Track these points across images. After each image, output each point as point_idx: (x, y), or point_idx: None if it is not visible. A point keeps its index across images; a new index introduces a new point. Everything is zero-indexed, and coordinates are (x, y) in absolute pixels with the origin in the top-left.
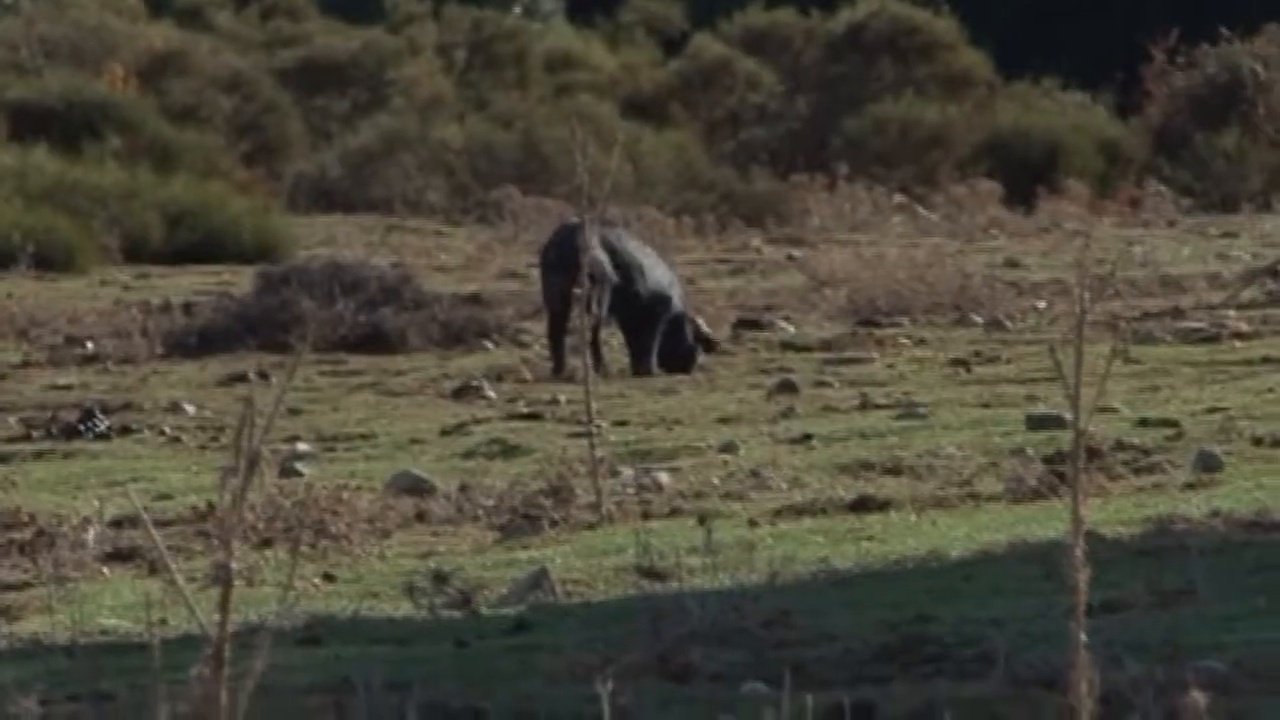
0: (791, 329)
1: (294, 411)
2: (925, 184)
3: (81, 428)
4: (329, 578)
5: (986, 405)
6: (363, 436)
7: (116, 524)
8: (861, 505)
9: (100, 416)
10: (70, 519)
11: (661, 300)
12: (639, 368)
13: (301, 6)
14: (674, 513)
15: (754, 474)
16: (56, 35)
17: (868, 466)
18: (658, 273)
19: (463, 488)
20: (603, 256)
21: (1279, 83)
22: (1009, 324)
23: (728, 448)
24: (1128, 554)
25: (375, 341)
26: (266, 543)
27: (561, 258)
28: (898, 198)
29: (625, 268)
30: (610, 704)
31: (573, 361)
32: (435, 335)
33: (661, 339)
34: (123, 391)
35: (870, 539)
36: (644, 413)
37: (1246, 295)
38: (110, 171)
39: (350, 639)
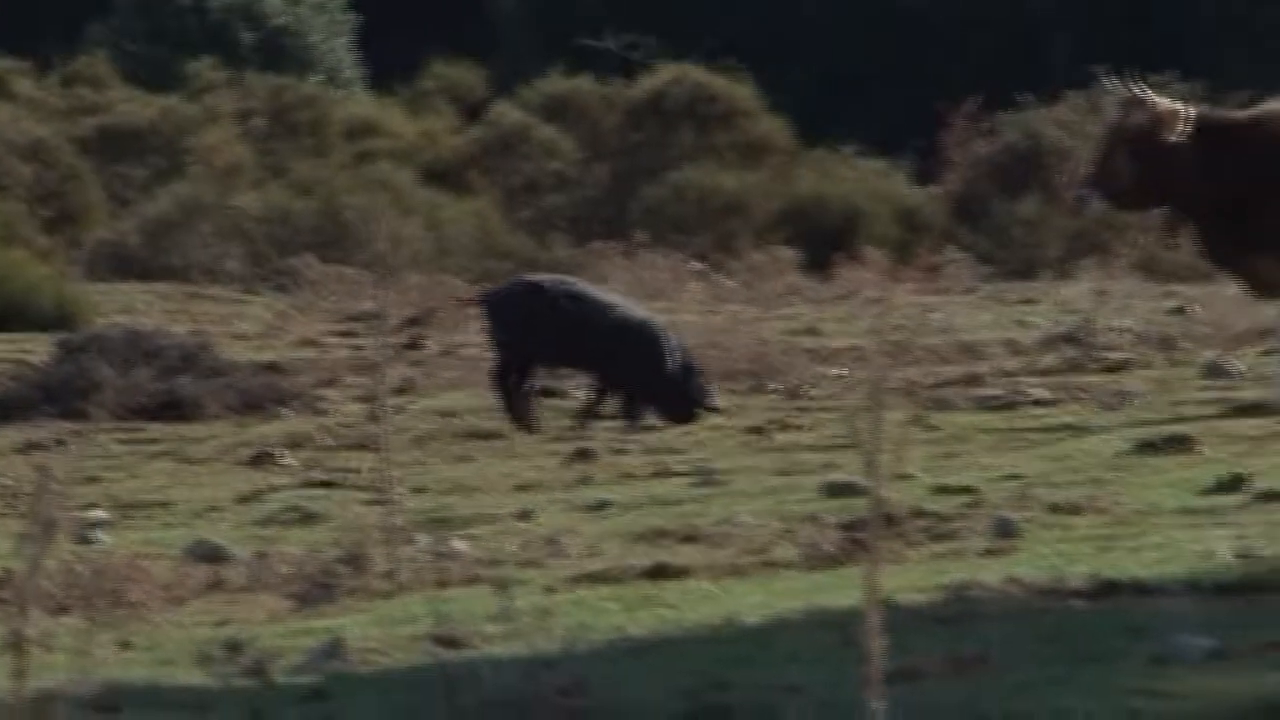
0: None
1: (92, 479)
2: (724, 251)
3: None
4: (125, 645)
5: (783, 472)
6: (160, 504)
7: None
8: (658, 573)
9: None
10: None
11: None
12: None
13: (103, 74)
14: (471, 580)
15: (551, 541)
16: None
17: (664, 534)
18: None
19: (259, 555)
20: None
21: (1078, 150)
22: (807, 391)
23: (525, 515)
24: (925, 621)
25: (173, 409)
26: (63, 609)
27: (509, 312)
28: (696, 265)
29: (581, 323)
30: None
31: (370, 427)
32: (233, 403)
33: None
34: None
35: (667, 606)
36: (441, 480)
37: (1044, 362)
38: None
39: (147, 707)
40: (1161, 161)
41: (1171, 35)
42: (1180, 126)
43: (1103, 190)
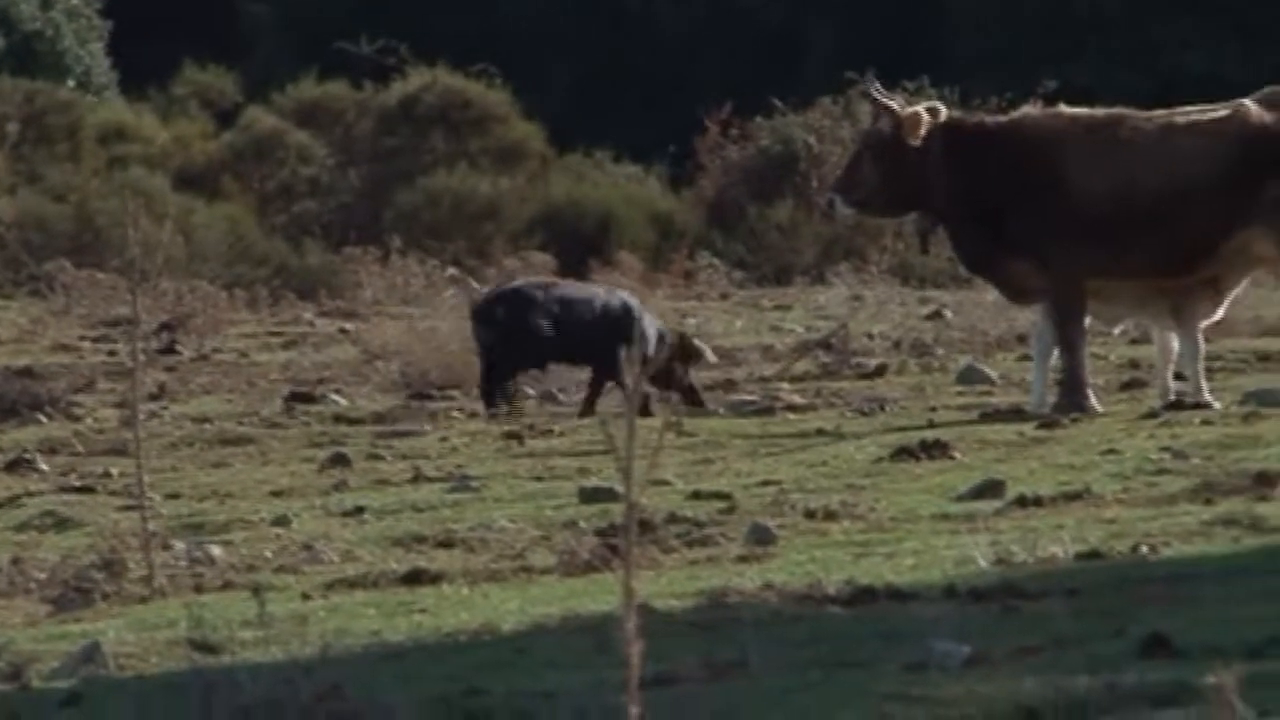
0: (344, 402)
1: None
2: (478, 257)
3: None
4: None
5: (539, 478)
6: None
7: None
8: (414, 578)
9: None
10: None
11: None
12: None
13: None
14: (226, 586)
15: (306, 547)
16: None
17: (420, 539)
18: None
19: (15, 561)
20: (535, 315)
21: (832, 155)
22: (562, 396)
23: (280, 521)
24: (681, 627)
25: None
26: None
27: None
28: (451, 270)
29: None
30: None
31: (125, 433)
32: None
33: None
34: None
35: (423, 612)
36: (196, 486)
37: (799, 368)
38: None
39: None
40: (907, 166)
41: (926, 42)
42: (923, 130)
43: (849, 195)
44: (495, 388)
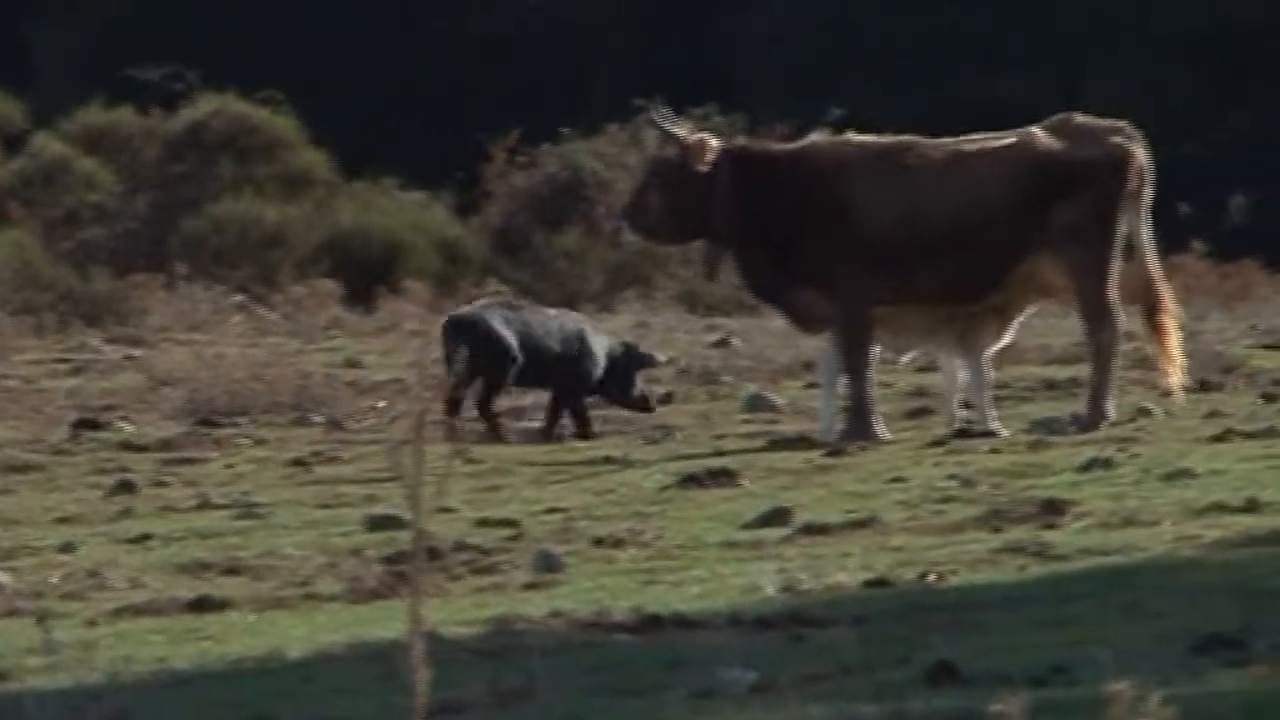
0: (131, 428)
1: None
2: (265, 284)
3: None
4: None
5: (326, 505)
6: None
7: None
8: (200, 605)
9: None
10: None
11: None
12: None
13: None
14: (12, 613)
15: (93, 574)
16: None
17: (206, 566)
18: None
19: None
20: (507, 333)
21: (620, 182)
22: (349, 424)
23: (66, 548)
24: (468, 654)
25: None
26: None
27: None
28: (237, 297)
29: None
30: None
31: None
32: None
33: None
34: None
35: (209, 639)
36: None
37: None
38: None
39: None
40: (692, 194)
41: (715, 69)
42: (707, 157)
43: (636, 222)
44: (488, 408)
